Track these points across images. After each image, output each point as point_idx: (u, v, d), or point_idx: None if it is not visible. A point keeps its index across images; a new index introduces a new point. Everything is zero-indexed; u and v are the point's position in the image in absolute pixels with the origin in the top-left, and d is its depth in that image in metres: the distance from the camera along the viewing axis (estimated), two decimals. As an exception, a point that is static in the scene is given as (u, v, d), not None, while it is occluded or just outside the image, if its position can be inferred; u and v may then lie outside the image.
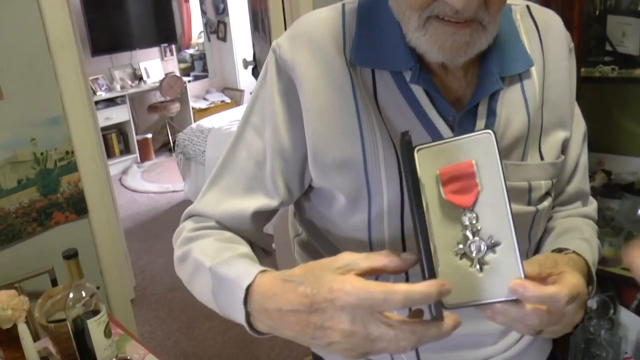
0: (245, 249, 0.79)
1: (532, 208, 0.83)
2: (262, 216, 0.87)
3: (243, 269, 0.70)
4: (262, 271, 0.68)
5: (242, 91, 7.20)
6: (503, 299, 0.59)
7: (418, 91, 0.77)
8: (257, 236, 0.88)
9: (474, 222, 0.62)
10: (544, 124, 0.83)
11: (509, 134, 0.80)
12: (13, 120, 1.78)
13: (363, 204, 0.80)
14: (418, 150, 0.63)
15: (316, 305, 0.58)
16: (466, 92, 0.79)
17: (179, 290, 3.48)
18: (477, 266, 0.61)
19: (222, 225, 0.85)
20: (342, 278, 0.58)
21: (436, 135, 0.78)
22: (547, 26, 0.85)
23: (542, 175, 0.83)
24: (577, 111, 0.92)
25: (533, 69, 0.82)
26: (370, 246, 0.83)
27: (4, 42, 1.75)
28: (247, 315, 0.67)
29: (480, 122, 0.78)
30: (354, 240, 0.84)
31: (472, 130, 0.77)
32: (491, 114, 0.79)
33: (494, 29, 0.73)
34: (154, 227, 4.59)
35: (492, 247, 0.61)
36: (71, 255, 1.32)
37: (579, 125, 0.92)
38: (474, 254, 0.61)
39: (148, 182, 5.81)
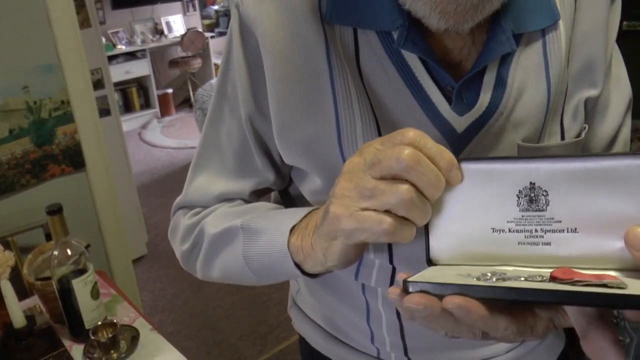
0: (273, 204, 0.72)
1: None
2: (261, 193, 0.78)
3: (288, 213, 0.64)
4: (315, 209, 0.62)
5: (265, 48, 7.04)
6: None
7: (409, 54, 0.62)
8: None
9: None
10: (569, 89, 0.67)
11: (521, 107, 0.64)
12: (3, 65, 1.69)
13: None
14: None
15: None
16: (471, 54, 0.63)
17: (191, 248, 3.43)
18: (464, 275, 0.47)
19: None
20: None
21: (429, 108, 0.62)
22: None
23: None
24: (622, 73, 0.74)
25: (560, 22, 0.65)
26: None
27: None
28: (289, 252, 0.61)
29: (485, 95, 0.62)
30: None
31: (473, 104, 0.62)
32: (500, 83, 0.63)
33: None
34: (171, 183, 4.55)
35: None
36: (54, 210, 1.24)
37: (622, 91, 0.74)
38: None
39: (167, 138, 5.77)
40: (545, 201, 0.45)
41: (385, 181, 0.48)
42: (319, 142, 0.66)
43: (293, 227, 0.61)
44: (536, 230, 0.46)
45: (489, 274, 0.45)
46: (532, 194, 0.46)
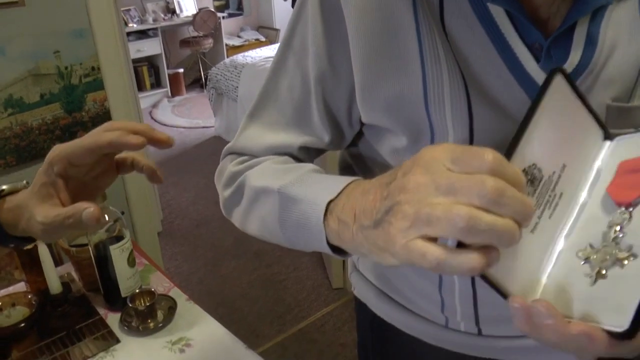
0: (315, 166, 0.68)
1: None
2: (312, 151, 0.74)
3: (325, 182, 0.59)
4: (353, 182, 0.57)
5: (277, 30, 6.99)
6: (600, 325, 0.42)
7: (496, 9, 0.59)
8: None
9: (621, 223, 0.46)
10: None
11: (612, 66, 0.60)
12: (35, 29, 1.65)
13: (425, 144, 0.64)
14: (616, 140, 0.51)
15: (400, 173, 0.46)
16: (560, 10, 0.60)
17: (206, 226, 3.43)
18: (592, 277, 0.45)
19: None
20: None
21: (516, 67, 0.59)
22: None
23: None
24: None
25: None
26: None
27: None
28: (325, 226, 0.56)
29: (576, 53, 0.59)
30: None
31: (562, 63, 0.59)
32: (591, 40, 0.59)
33: None
34: (183, 162, 4.52)
35: (621, 259, 0.44)
36: (93, 174, 1.20)
37: None
38: (596, 261, 0.45)
39: (178, 117, 5.73)
40: (539, 172, 0.47)
41: (442, 206, 0.41)
42: (404, 100, 0.63)
43: (330, 202, 0.56)
44: (550, 196, 0.47)
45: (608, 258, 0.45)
46: (529, 177, 0.46)
